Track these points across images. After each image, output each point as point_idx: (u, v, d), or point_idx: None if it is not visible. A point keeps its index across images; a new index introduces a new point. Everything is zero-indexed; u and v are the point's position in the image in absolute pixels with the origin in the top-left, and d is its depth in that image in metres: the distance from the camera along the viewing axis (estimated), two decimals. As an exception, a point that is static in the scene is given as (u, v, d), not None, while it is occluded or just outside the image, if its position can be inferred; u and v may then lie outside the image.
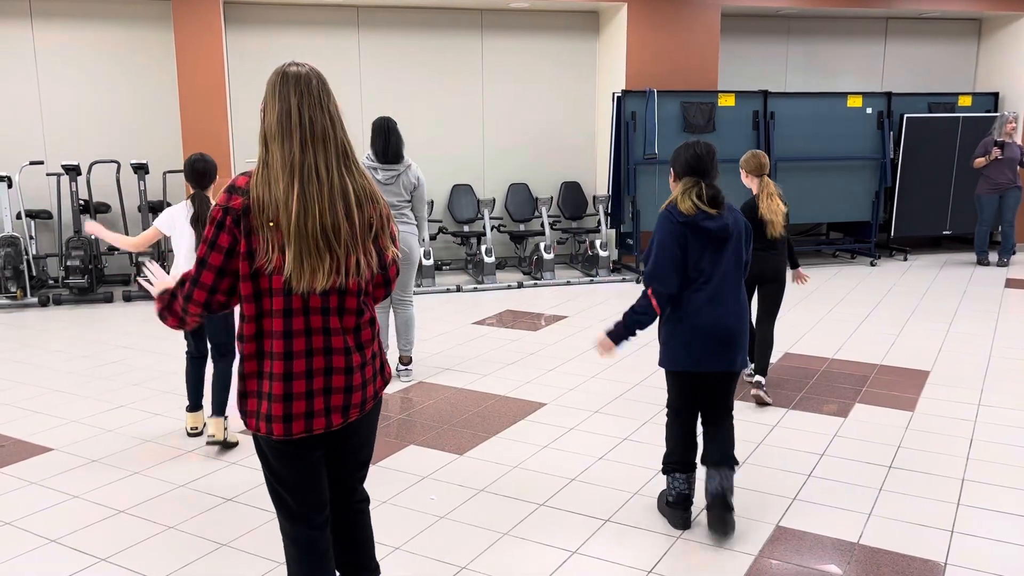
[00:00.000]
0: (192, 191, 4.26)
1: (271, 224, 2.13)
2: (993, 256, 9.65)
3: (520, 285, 8.68)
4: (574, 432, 4.48)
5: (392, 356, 5.65)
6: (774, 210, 4.79)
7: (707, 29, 9.38)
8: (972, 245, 9.83)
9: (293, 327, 2.19)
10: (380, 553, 3.21)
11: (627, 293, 8.24)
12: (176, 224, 4.25)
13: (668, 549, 3.22)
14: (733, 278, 3.33)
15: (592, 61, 10.01)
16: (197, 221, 4.14)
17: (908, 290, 8.17)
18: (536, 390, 5.20)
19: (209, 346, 4.45)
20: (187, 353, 4.51)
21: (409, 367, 5.56)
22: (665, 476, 3.47)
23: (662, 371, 5.62)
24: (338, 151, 2.20)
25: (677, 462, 3.43)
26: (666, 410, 3.51)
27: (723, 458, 3.36)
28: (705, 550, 3.22)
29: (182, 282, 2.29)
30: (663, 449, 3.73)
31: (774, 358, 5.79)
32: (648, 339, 6.41)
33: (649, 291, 3.33)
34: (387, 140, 5.25)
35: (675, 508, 3.43)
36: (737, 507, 3.56)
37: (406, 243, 5.42)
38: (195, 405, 4.51)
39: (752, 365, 5.00)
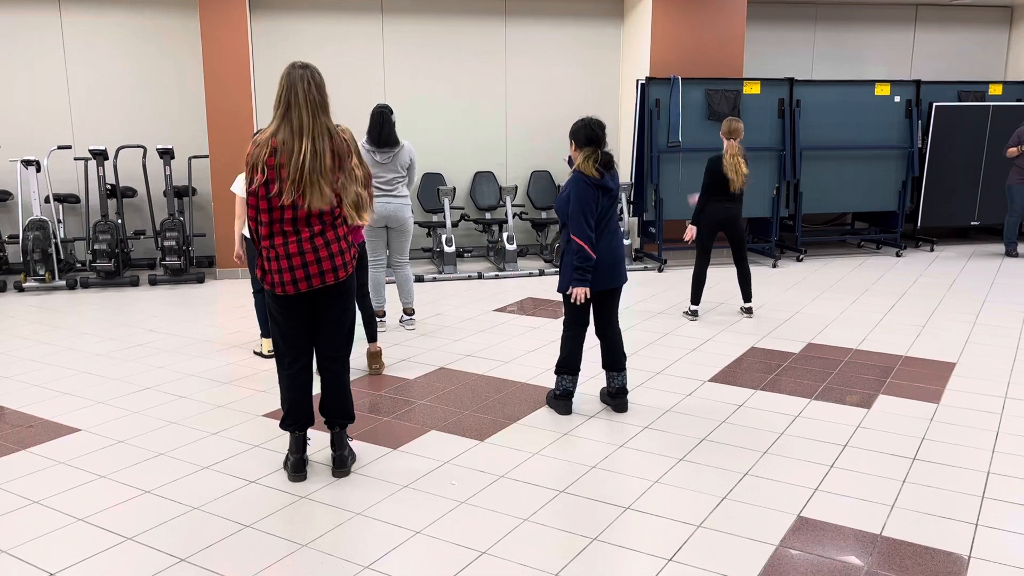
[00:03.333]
0: None
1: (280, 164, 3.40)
2: (1022, 247, 9.51)
3: (541, 273, 8.67)
4: (594, 420, 4.48)
5: (395, 311, 6.94)
6: (735, 168, 6.26)
7: (733, 15, 9.28)
8: (1000, 236, 9.69)
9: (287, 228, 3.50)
10: (400, 537, 3.24)
11: (649, 282, 8.20)
12: (241, 187, 5.43)
13: (688, 538, 3.22)
14: (616, 218, 4.46)
15: (616, 47, 9.94)
16: None
17: (934, 281, 8.08)
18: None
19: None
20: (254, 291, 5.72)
21: (412, 317, 6.46)
22: (556, 375, 4.57)
23: (683, 361, 5.64)
24: (327, 119, 3.46)
25: (568, 366, 4.53)
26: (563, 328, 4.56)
27: (616, 363, 4.55)
28: (726, 539, 3.21)
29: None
30: (684, 438, 4.08)
31: (796, 348, 5.77)
32: (668, 329, 6.38)
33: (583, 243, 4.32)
34: (381, 129, 5.97)
35: (561, 400, 4.57)
36: (758, 497, 3.56)
37: (400, 214, 6.10)
38: (267, 331, 5.69)
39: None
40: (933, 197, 9.83)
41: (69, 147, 8.56)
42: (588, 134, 4.31)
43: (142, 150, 8.65)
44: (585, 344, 4.85)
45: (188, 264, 8.43)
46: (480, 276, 8.53)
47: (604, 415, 4.55)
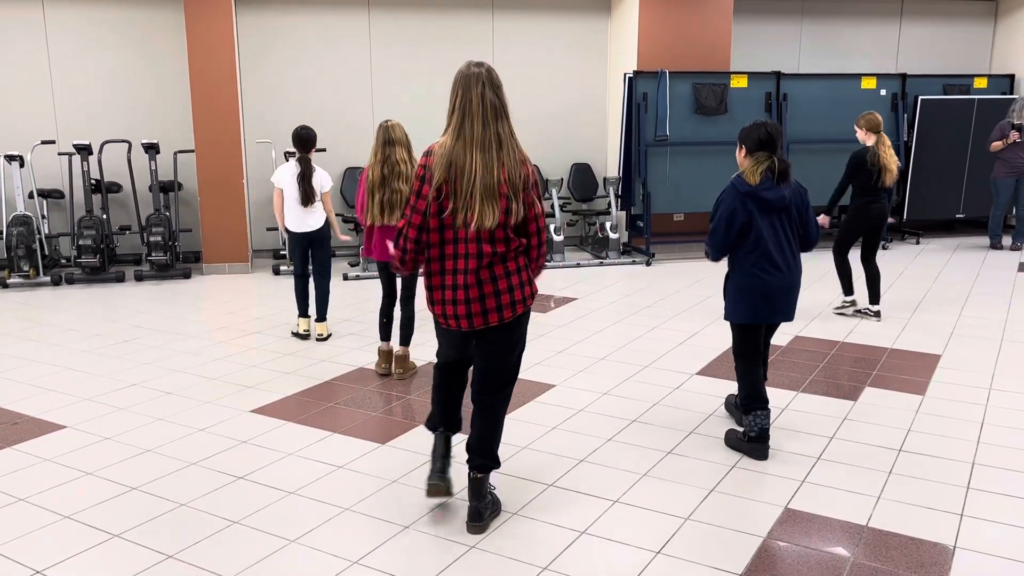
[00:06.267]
0: (298, 155, 5.74)
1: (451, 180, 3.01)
2: (1007, 240, 9.58)
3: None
4: (583, 414, 4.49)
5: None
6: (892, 158, 6.07)
7: (720, 9, 9.29)
8: (985, 229, 9.76)
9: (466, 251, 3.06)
10: (389, 532, 3.24)
11: (637, 275, 8.22)
12: (284, 180, 5.74)
13: (677, 530, 3.23)
14: (790, 239, 3.82)
15: (603, 41, 9.94)
16: (303, 179, 5.68)
17: (920, 274, 8.13)
18: (546, 372, 5.21)
19: (310, 269, 6.00)
20: (294, 275, 6.00)
21: None
22: (745, 415, 3.91)
23: (671, 354, 5.66)
24: (509, 125, 3.06)
25: (754, 401, 3.87)
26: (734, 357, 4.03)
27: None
28: (713, 531, 3.22)
29: (399, 232, 3.15)
30: (672, 431, 4.13)
31: (783, 340, 5.78)
32: (655, 323, 6.40)
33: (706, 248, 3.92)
34: None
35: (757, 443, 3.87)
36: (745, 489, 3.58)
37: None
38: (303, 312, 6.02)
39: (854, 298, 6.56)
40: (919, 190, 9.89)
41: (53, 142, 8.49)
42: (761, 136, 3.70)
43: (127, 145, 8.59)
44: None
45: (174, 260, 8.38)
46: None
47: (592, 409, 4.56)
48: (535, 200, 3.14)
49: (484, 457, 3.25)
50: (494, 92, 3.01)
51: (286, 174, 5.77)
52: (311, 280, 6.02)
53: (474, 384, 3.27)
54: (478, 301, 3.04)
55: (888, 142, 6.21)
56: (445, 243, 3.06)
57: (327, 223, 5.90)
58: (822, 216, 6.16)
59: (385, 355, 5.16)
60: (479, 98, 2.99)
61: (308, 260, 5.97)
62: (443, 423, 3.44)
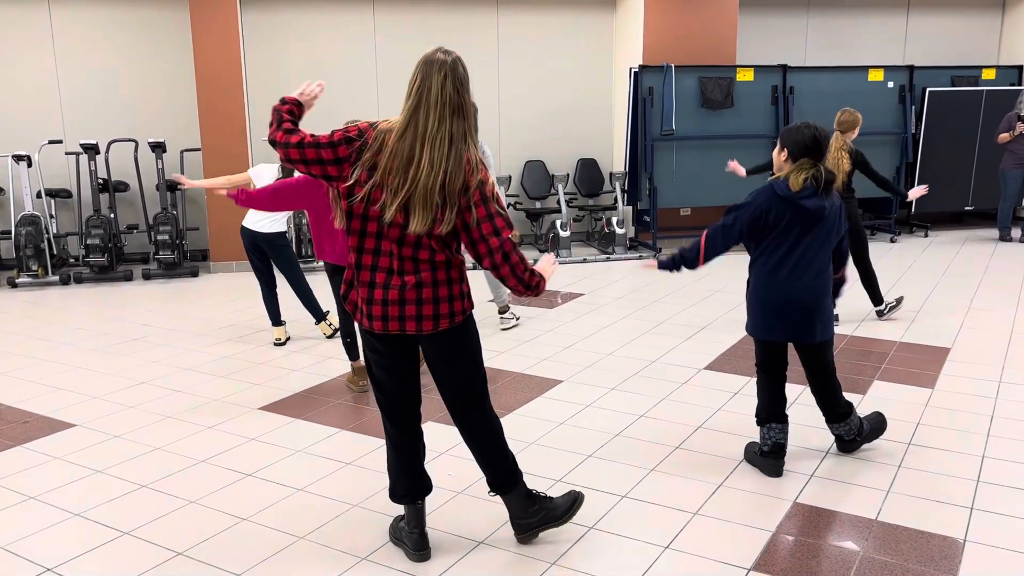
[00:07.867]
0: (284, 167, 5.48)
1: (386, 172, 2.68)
2: (1016, 232, 9.53)
3: (535, 263, 8.64)
4: (591, 409, 4.49)
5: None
6: (836, 164, 5.55)
7: (726, 2, 9.25)
8: (994, 221, 9.71)
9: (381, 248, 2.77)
10: (398, 528, 3.23)
11: (644, 271, 8.21)
12: (262, 177, 5.49)
13: (685, 525, 3.23)
14: (820, 254, 3.51)
15: (609, 36, 9.91)
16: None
17: (929, 267, 8.09)
18: (552, 367, 5.20)
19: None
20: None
21: (505, 314, 6.22)
22: (760, 427, 3.73)
23: (678, 349, 5.64)
24: (469, 125, 2.72)
25: (769, 414, 3.70)
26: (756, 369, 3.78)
27: (830, 415, 3.77)
28: (723, 526, 3.22)
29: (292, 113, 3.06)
30: (679, 426, 4.11)
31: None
32: (662, 318, 6.39)
33: (703, 240, 3.51)
34: None
35: (769, 458, 3.69)
36: (754, 484, 3.57)
37: None
38: (275, 322, 5.88)
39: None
40: (927, 182, 9.72)
41: (60, 141, 8.52)
42: (806, 141, 3.36)
43: (134, 144, 8.61)
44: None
45: (182, 258, 8.41)
46: (474, 267, 8.51)
47: (600, 404, 4.55)
48: (493, 213, 2.75)
49: (502, 477, 3.04)
50: (455, 86, 2.66)
51: (264, 174, 5.53)
52: (290, 289, 5.88)
53: (449, 410, 3.06)
54: (397, 304, 2.76)
55: (840, 143, 5.67)
56: (366, 235, 2.75)
57: (282, 233, 5.70)
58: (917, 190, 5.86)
59: (361, 371, 4.87)
60: (439, 88, 2.65)
61: (265, 266, 5.78)
62: (413, 491, 3.02)
